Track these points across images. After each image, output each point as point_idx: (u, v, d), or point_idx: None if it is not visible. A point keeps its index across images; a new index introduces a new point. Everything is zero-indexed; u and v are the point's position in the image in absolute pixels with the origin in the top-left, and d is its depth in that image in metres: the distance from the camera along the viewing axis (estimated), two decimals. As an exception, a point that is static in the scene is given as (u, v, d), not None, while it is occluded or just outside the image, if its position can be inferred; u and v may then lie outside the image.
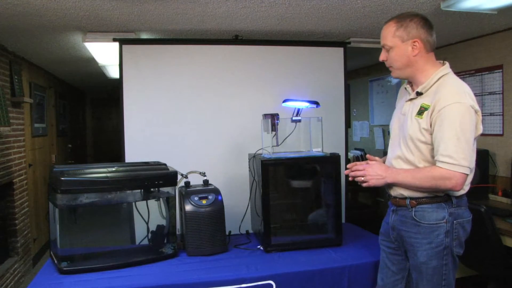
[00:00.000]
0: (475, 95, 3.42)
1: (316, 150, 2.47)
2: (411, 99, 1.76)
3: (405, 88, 1.84)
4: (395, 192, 1.78)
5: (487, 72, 3.30)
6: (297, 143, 2.58)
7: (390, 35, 1.70)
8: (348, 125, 3.24)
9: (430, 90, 1.69)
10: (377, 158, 1.87)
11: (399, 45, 1.69)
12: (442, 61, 1.74)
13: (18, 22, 2.66)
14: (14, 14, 2.48)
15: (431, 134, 1.63)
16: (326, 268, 2.12)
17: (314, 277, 2.09)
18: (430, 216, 1.67)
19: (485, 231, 2.35)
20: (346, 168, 1.85)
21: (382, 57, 1.78)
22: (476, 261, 2.67)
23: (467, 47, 3.48)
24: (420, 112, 1.67)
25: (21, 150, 3.77)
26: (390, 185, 1.80)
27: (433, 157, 1.65)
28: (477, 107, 1.61)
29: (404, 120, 1.75)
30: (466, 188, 1.71)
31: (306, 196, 2.63)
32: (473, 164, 1.65)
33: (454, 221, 1.66)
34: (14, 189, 3.54)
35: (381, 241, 1.96)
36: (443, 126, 1.58)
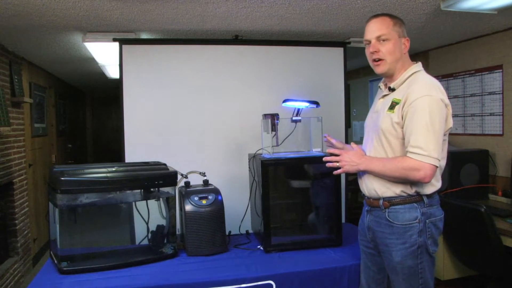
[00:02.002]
0: (475, 95, 3.45)
1: (316, 150, 2.47)
2: (383, 96, 1.80)
3: (379, 87, 1.88)
4: (369, 191, 1.79)
5: (487, 72, 3.29)
6: (297, 143, 2.58)
7: (389, 28, 1.71)
8: (348, 125, 3.24)
9: (402, 86, 1.72)
10: (355, 145, 1.86)
11: (397, 39, 1.72)
12: (415, 62, 1.79)
13: (18, 22, 2.66)
14: (14, 14, 2.48)
15: (403, 127, 1.66)
16: (326, 268, 2.12)
17: (314, 277, 2.09)
18: (403, 217, 1.69)
19: (485, 231, 2.35)
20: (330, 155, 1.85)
21: (374, 48, 1.72)
22: (476, 261, 2.67)
23: (467, 47, 3.47)
24: (392, 107, 1.70)
25: (21, 150, 3.77)
26: (363, 178, 1.81)
27: (405, 152, 1.66)
28: (447, 101, 1.64)
29: (377, 117, 1.78)
30: (438, 185, 1.72)
31: (306, 196, 2.62)
32: (443, 157, 1.67)
33: (427, 220, 1.68)
34: (14, 189, 3.54)
35: (360, 241, 1.97)
36: (413, 118, 1.61)
